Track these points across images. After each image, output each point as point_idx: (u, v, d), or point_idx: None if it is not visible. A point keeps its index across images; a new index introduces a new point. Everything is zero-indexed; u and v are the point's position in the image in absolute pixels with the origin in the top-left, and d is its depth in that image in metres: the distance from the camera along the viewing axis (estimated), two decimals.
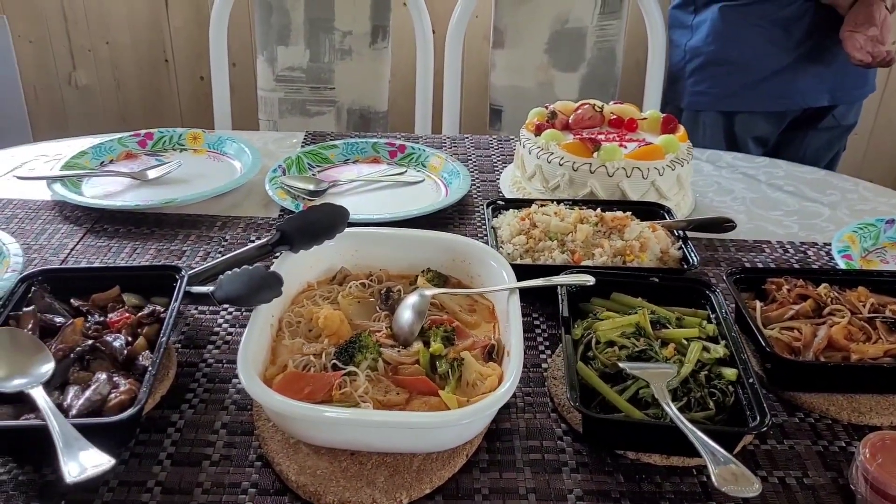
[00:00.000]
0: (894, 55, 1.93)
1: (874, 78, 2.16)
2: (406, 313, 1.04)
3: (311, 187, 1.49)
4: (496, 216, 1.34)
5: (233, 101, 2.37)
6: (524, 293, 1.19)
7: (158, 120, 2.64)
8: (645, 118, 1.56)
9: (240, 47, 2.47)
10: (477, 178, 1.61)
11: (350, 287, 1.11)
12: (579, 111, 1.56)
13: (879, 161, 2.77)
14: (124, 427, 0.86)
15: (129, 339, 0.97)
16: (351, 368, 0.94)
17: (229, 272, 0.95)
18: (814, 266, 1.33)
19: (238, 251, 1.12)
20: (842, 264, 1.27)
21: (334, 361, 0.95)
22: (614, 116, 1.57)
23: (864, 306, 1.07)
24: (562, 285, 1.08)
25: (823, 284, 1.11)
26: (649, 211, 1.36)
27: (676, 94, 2.22)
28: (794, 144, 2.23)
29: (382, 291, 1.09)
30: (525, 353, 1.09)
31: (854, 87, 2.12)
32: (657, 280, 1.12)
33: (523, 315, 1.17)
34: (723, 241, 1.39)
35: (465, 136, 1.82)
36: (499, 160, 1.70)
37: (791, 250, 1.38)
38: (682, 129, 1.51)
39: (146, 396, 0.87)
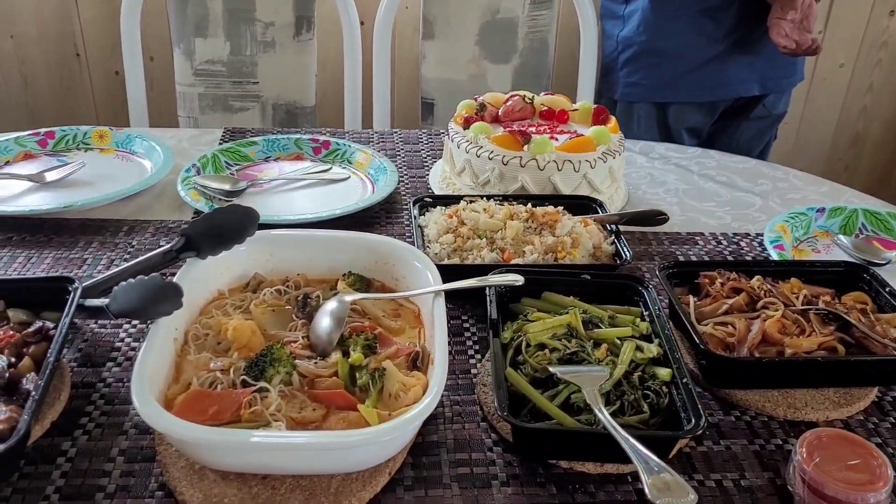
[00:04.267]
0: (819, 43, 1.93)
1: (803, 66, 2.17)
2: (324, 321, 0.97)
3: (227, 187, 1.41)
4: (423, 214, 1.27)
5: (152, 97, 2.25)
6: (453, 295, 1.14)
7: (71, 119, 2.48)
8: (576, 109, 1.52)
9: (157, 40, 2.35)
10: (405, 175, 1.55)
11: (264, 294, 1.03)
12: (509, 103, 1.51)
13: (808, 149, 2.80)
14: (1, 461, 0.76)
15: (13, 360, 0.87)
16: (262, 384, 0.86)
17: (124, 283, 0.86)
18: (747, 257, 1.31)
19: (140, 258, 1.03)
20: (774, 255, 1.25)
21: (243, 377, 0.87)
22: (545, 108, 1.52)
23: (797, 298, 1.04)
24: (490, 286, 1.03)
25: (756, 277, 1.08)
26: (581, 205, 1.32)
27: (610, 86, 2.19)
28: (726, 134, 2.23)
29: (299, 298, 1.02)
30: (453, 358, 1.04)
31: (783, 75, 2.13)
32: (588, 278, 1.08)
33: (452, 318, 1.12)
34: (656, 234, 1.36)
35: (395, 130, 1.75)
36: (428, 155, 1.64)
37: (724, 242, 1.35)
38: (613, 120, 1.48)
39: (27, 426, 0.78)
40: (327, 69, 2.29)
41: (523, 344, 0.97)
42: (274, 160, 1.57)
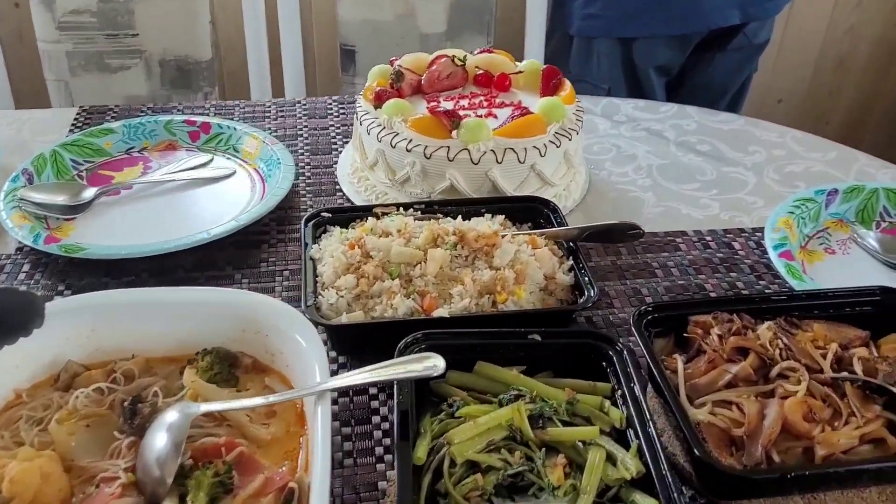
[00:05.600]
0: None
1: None
2: (157, 443, 0.67)
3: (63, 200, 1.06)
4: (320, 237, 0.95)
5: (20, 53, 1.86)
6: (358, 349, 0.86)
7: None
8: (521, 71, 1.19)
9: None
10: (308, 165, 1.21)
11: (77, 399, 0.72)
12: (434, 67, 1.17)
13: (788, 75, 2.49)
14: None
15: None
16: None
17: None
18: (743, 265, 1.02)
19: None
20: (780, 268, 0.96)
21: None
22: (480, 72, 1.19)
23: (824, 357, 0.76)
24: (396, 380, 0.72)
25: (767, 324, 0.79)
26: (528, 209, 1.01)
27: (564, 19, 1.84)
28: (699, 69, 1.91)
29: (126, 403, 0.71)
30: (354, 463, 0.75)
31: None
32: (538, 338, 0.78)
33: (354, 393, 0.83)
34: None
35: (298, 100, 1.40)
36: (338, 134, 1.30)
37: (713, 244, 1.06)
38: (568, 85, 1.15)
39: None
40: (224, 14, 1.89)
41: (446, 462, 0.67)
42: (138, 152, 1.23)
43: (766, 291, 0.96)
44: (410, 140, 1.04)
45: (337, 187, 1.15)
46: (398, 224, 0.92)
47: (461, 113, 1.08)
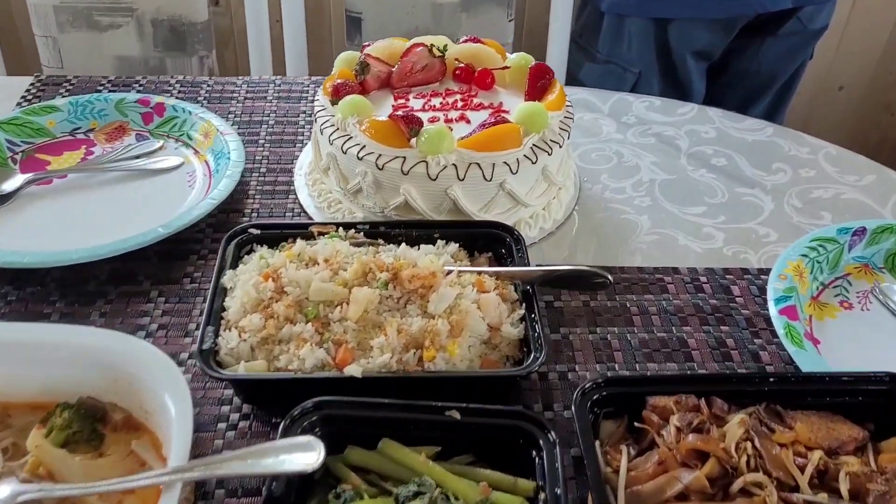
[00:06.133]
0: None
1: None
2: None
3: None
4: (242, 258, 0.83)
5: (20, 4, 1.77)
6: (264, 412, 0.75)
7: None
8: (507, 67, 1.03)
9: None
10: (266, 159, 1.09)
11: None
12: (407, 58, 1.02)
13: (852, 61, 2.24)
14: None
15: None
16: None
17: None
18: (740, 316, 0.86)
19: None
20: (779, 328, 0.81)
21: None
22: (461, 65, 1.03)
23: (802, 471, 0.62)
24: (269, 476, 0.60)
25: (741, 416, 0.65)
26: (489, 236, 0.87)
27: None
28: (745, 55, 1.72)
29: None
30: None
31: None
32: (457, 416, 0.65)
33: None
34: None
35: (274, 77, 1.27)
36: (309, 123, 1.17)
37: (708, 287, 0.90)
38: (557, 87, 0.99)
39: None
40: None
41: None
42: (84, 134, 1.12)
43: (748, 369, 0.80)
44: (363, 146, 0.90)
45: (291, 190, 1.03)
46: (328, 251, 0.80)
47: (430, 115, 0.95)
